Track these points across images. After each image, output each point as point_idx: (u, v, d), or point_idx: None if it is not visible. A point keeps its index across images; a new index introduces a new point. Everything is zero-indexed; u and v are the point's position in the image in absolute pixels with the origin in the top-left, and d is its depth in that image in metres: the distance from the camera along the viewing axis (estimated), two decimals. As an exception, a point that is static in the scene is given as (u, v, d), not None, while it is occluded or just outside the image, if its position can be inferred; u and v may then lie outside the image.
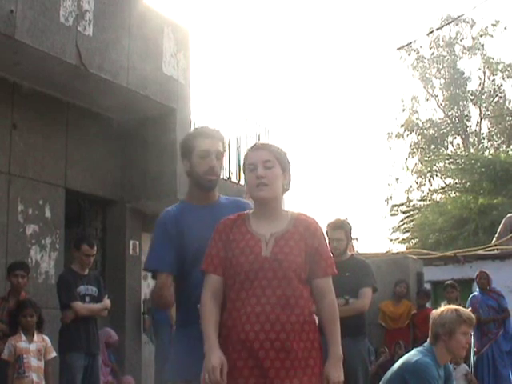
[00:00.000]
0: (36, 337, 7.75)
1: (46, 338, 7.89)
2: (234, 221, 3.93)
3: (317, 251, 3.81)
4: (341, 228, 7.45)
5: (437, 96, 38.85)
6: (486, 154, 33.42)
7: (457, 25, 37.43)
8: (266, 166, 3.84)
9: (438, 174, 33.98)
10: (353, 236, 16.41)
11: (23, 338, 7.66)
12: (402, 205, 31.80)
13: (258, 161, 3.86)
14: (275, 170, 3.86)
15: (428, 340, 5.30)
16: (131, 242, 11.34)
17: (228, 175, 13.10)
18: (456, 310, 5.26)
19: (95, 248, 8.40)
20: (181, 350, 4.16)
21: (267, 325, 3.62)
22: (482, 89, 37.95)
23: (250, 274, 3.72)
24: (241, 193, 9.11)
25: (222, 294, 3.82)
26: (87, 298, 8.10)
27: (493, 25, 37.51)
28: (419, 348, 5.35)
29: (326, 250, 3.88)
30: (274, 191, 3.86)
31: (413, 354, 5.25)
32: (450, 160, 30.47)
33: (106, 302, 8.33)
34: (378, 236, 48.54)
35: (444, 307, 5.36)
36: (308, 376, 3.68)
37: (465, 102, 37.96)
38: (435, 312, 5.33)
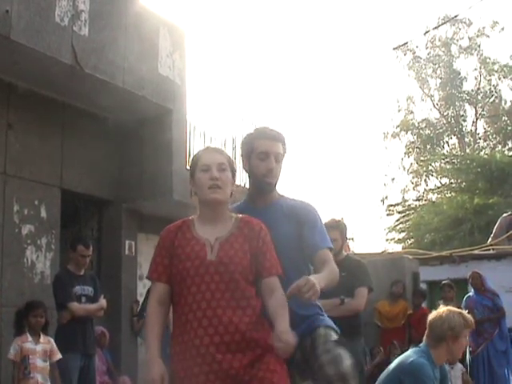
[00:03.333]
0: (42, 338, 7.75)
1: (52, 339, 7.88)
2: (179, 227, 3.91)
3: (260, 251, 3.78)
4: (336, 228, 7.42)
5: (433, 96, 38.90)
6: (482, 153, 33.49)
7: (453, 25, 37.47)
8: (221, 169, 3.84)
9: (434, 173, 34.05)
10: (348, 236, 16.44)
11: (29, 338, 7.66)
12: (398, 205, 31.87)
13: (213, 163, 3.85)
14: (228, 174, 3.88)
15: (425, 341, 5.29)
16: (127, 242, 11.34)
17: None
18: (461, 313, 5.29)
19: (91, 248, 8.39)
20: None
21: (220, 327, 3.60)
22: (478, 89, 37.99)
23: (196, 279, 3.69)
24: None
25: (168, 301, 3.83)
26: (83, 299, 8.09)
27: (490, 26, 37.59)
28: (414, 349, 5.34)
29: (270, 250, 3.82)
30: (227, 194, 3.87)
31: (408, 355, 5.25)
32: (446, 160, 30.54)
33: (102, 302, 8.32)
34: (373, 236, 48.55)
35: (445, 309, 5.35)
36: (271, 360, 3.64)
37: (461, 102, 38.01)
38: (439, 315, 5.29)
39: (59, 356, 7.85)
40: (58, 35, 8.87)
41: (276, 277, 3.78)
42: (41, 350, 7.67)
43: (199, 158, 3.92)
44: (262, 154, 4.16)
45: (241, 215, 3.93)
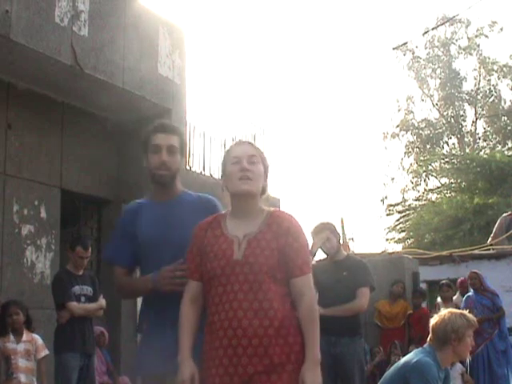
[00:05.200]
0: (25, 336, 7.74)
1: (36, 336, 7.88)
2: (210, 223, 3.85)
3: (290, 249, 3.66)
4: (324, 229, 7.44)
5: (432, 96, 38.93)
6: (482, 153, 33.48)
7: (452, 25, 37.51)
8: (251, 161, 3.75)
9: (434, 173, 34.03)
10: (348, 236, 16.37)
11: (11, 338, 7.65)
12: (398, 204, 31.86)
13: (243, 155, 3.77)
14: (260, 166, 3.78)
15: (429, 343, 5.29)
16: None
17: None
18: (462, 314, 5.30)
19: (90, 250, 8.39)
20: (152, 346, 4.11)
21: (239, 330, 3.54)
22: (478, 89, 38.05)
23: (222, 279, 3.65)
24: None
25: (201, 299, 3.79)
26: (82, 298, 8.10)
27: (489, 26, 37.63)
28: (420, 349, 5.36)
29: (300, 247, 3.70)
30: (257, 187, 3.77)
31: (414, 355, 5.27)
32: (446, 160, 30.53)
33: (102, 301, 8.33)
34: (373, 236, 48.52)
35: (446, 312, 5.36)
36: (283, 382, 3.55)
37: (460, 102, 38.07)
38: (441, 318, 5.30)
39: (46, 352, 7.86)
40: (58, 35, 8.85)
41: (307, 276, 3.69)
42: (23, 349, 7.67)
43: (230, 152, 3.87)
44: (155, 146, 4.16)
45: (273, 209, 3.84)
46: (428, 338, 5.33)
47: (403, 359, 5.44)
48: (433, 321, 5.34)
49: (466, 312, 5.44)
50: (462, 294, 11.98)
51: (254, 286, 3.59)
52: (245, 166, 3.72)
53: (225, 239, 3.73)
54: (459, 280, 12.41)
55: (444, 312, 5.36)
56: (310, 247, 3.95)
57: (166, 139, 4.15)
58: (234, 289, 3.60)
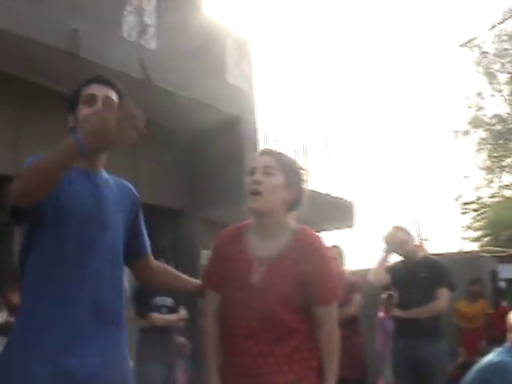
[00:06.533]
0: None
1: None
2: (233, 235, 3.49)
3: (312, 277, 3.29)
4: (399, 232, 7.37)
5: (502, 91, 38.38)
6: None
7: (519, 18, 36.98)
8: (266, 172, 3.35)
9: (507, 169, 33.57)
10: (423, 237, 16.19)
11: None
12: (473, 202, 31.49)
13: (259, 166, 3.37)
14: (276, 179, 3.35)
15: (510, 342, 5.20)
16: (203, 252, 11.42)
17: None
18: None
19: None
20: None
21: (248, 358, 3.27)
22: (549, 81, 37.45)
23: (239, 302, 3.33)
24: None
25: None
26: (163, 309, 8.18)
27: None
28: (500, 349, 5.27)
29: (325, 274, 3.34)
30: (269, 203, 3.34)
31: (495, 355, 5.18)
32: (519, 155, 30.15)
33: (182, 312, 8.40)
34: (449, 235, 47.81)
35: None
36: None
37: (531, 95, 37.49)
38: None
39: None
40: (126, 50, 8.99)
41: (330, 306, 3.38)
42: None
43: (251, 161, 3.51)
44: (87, 96, 3.26)
45: (298, 228, 3.42)
46: (507, 337, 5.24)
47: (484, 360, 5.35)
48: (510, 319, 5.26)
49: None
50: None
51: (268, 314, 3.27)
52: (256, 178, 3.35)
53: (245, 257, 3.38)
54: None
55: None
56: (339, 270, 3.73)
57: (102, 90, 3.28)
58: (248, 316, 3.28)
